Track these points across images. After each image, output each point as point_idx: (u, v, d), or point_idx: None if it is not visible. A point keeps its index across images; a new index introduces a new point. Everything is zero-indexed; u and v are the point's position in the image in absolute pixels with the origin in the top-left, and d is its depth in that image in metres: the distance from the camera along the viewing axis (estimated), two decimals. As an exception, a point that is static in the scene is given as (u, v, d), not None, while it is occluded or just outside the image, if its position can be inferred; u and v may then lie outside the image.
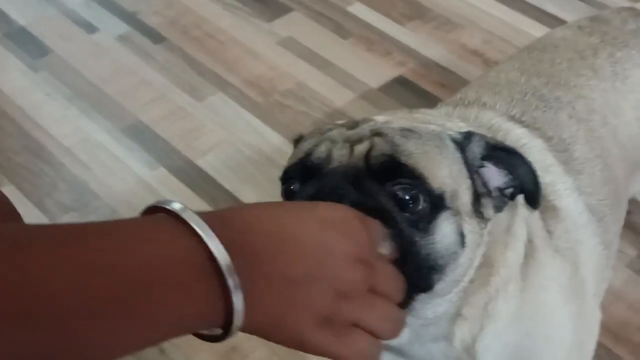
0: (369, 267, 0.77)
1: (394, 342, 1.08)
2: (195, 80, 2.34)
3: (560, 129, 1.24)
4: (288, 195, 0.96)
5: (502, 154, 0.97)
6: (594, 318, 1.21)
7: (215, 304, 0.65)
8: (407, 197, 0.89)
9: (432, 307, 1.00)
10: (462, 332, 1.05)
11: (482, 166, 0.97)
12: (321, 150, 0.93)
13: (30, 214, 1.96)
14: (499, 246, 1.02)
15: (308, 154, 0.94)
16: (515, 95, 1.28)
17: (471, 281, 1.00)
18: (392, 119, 0.98)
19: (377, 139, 0.93)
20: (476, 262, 0.99)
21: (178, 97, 2.29)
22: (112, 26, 2.52)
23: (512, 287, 1.05)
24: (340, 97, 2.27)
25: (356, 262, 0.76)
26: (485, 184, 0.97)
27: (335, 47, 2.44)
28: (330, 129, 0.98)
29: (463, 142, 0.96)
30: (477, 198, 0.96)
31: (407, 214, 0.89)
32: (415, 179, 0.90)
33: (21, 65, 2.39)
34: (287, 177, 0.96)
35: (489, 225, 0.99)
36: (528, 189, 0.98)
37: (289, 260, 0.71)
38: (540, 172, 1.05)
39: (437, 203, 0.91)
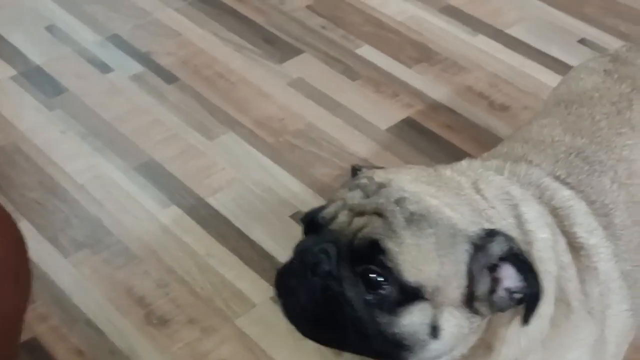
0: None
1: None
2: (206, 119, 2.38)
3: (603, 194, 1.28)
4: (303, 232, 1.09)
5: (523, 263, 1.01)
6: None
7: None
8: (373, 281, 0.99)
9: None
10: None
11: (498, 265, 1.01)
12: (330, 211, 1.05)
13: (44, 250, 2.00)
14: (508, 327, 1.07)
15: (321, 209, 1.06)
16: (560, 155, 1.32)
17: (465, 357, 1.06)
18: (419, 194, 1.02)
19: (374, 219, 1.00)
20: (457, 352, 1.05)
21: (190, 136, 2.34)
22: (126, 66, 2.58)
23: (531, 357, 1.11)
24: (349, 138, 2.32)
25: None
26: (495, 280, 1.01)
27: (345, 88, 2.49)
28: (357, 187, 1.06)
29: (484, 240, 1.00)
30: (471, 297, 1.01)
31: (370, 297, 0.99)
32: (386, 269, 0.98)
33: (36, 103, 2.44)
34: (304, 220, 1.08)
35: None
36: (532, 305, 1.02)
37: None
38: (585, 234, 1.17)
39: (411, 293, 0.98)
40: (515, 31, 2.69)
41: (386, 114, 2.40)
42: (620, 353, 1.30)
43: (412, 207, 1.00)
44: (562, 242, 1.16)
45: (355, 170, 1.15)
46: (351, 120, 2.38)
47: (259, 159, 2.26)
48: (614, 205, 1.28)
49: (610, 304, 1.23)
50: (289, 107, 2.43)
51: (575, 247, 1.19)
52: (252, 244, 2.03)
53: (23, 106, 2.43)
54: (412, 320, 0.99)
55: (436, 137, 2.32)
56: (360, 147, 2.29)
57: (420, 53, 2.62)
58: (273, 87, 2.50)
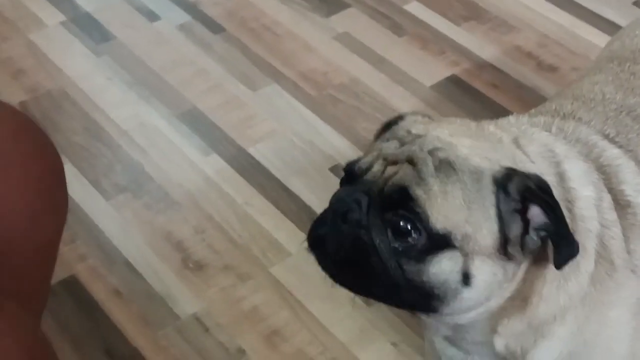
0: None
1: (441, 332, 1.15)
2: (251, 71, 2.39)
3: None
4: (340, 183, 1.10)
5: (542, 201, 1.00)
6: None
7: None
8: (401, 228, 0.99)
9: (451, 318, 1.07)
10: (511, 344, 1.11)
11: (526, 207, 1.00)
12: (366, 161, 1.05)
13: (86, 192, 2.04)
14: (561, 277, 1.06)
15: (358, 160, 1.07)
16: (610, 113, 1.29)
17: (502, 308, 1.06)
18: (454, 144, 1.02)
19: (405, 167, 1.00)
20: (494, 302, 1.04)
21: (234, 87, 2.34)
22: (173, 15, 2.59)
23: (571, 314, 1.10)
24: (392, 94, 2.30)
25: None
26: (526, 222, 1.01)
27: (390, 44, 2.47)
28: (393, 137, 1.06)
29: (504, 180, 0.99)
30: (505, 242, 1.00)
31: (397, 244, 0.99)
32: (414, 215, 0.97)
33: (84, 49, 2.46)
34: (344, 170, 1.09)
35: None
36: (558, 243, 1.01)
37: None
38: (633, 192, 1.15)
39: (439, 241, 0.98)
40: (568, -9, 2.64)
41: (431, 71, 2.37)
42: None
43: (441, 155, 1.00)
44: (607, 200, 1.14)
45: (394, 119, 1.14)
46: (395, 76, 2.36)
47: (301, 112, 2.26)
48: None
49: None
50: (334, 61, 2.42)
51: (621, 205, 1.17)
52: (290, 195, 2.04)
53: (71, 52, 2.46)
54: (442, 268, 0.99)
55: (481, 96, 2.29)
56: (403, 103, 2.27)
57: (470, 11, 2.58)
58: (318, 40, 2.49)
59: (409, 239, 0.98)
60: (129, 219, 1.99)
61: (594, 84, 1.39)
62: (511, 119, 1.23)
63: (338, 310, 1.78)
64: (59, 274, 1.82)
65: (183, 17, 2.58)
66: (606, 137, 1.25)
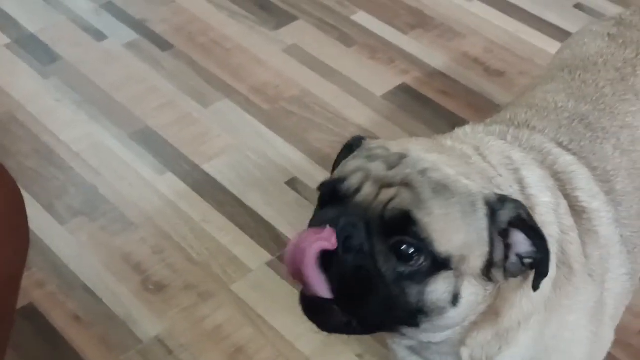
0: None
1: (406, 343, 1.15)
2: (202, 86, 2.38)
3: (605, 161, 1.29)
4: (321, 205, 1.05)
5: (531, 230, 1.02)
6: (608, 339, 1.29)
7: None
8: (407, 254, 0.98)
9: (426, 336, 1.08)
10: (476, 352, 1.13)
11: (508, 231, 1.02)
12: (353, 182, 1.02)
13: (40, 217, 2.01)
14: (515, 290, 1.08)
15: (342, 179, 1.03)
16: (563, 121, 1.32)
17: (474, 323, 1.08)
18: (438, 164, 1.02)
19: (403, 191, 0.99)
20: (468, 320, 1.06)
21: (185, 103, 2.33)
22: (120, 34, 2.56)
23: (534, 319, 1.12)
24: (344, 105, 2.32)
25: None
26: (507, 247, 1.03)
27: (340, 55, 2.49)
28: (376, 157, 1.04)
29: (495, 205, 1.01)
30: (490, 264, 1.02)
31: (402, 269, 0.98)
32: (420, 241, 0.97)
33: (31, 71, 2.43)
34: (320, 188, 1.06)
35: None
36: (542, 270, 1.04)
37: None
38: (587, 198, 1.18)
39: (440, 264, 0.98)
40: (511, -4, 2.68)
41: (381, 81, 2.39)
42: (617, 316, 1.32)
43: (435, 177, 1.00)
44: (564, 205, 1.16)
45: (356, 140, 1.13)
46: (346, 86, 2.37)
47: (254, 126, 2.26)
48: (615, 172, 1.29)
49: (610, 268, 1.24)
50: (284, 73, 2.42)
51: (577, 211, 1.20)
52: (247, 210, 2.04)
53: (18, 74, 2.43)
54: (438, 289, 0.99)
55: (432, 103, 2.32)
56: (355, 113, 2.28)
57: (416, 19, 2.61)
58: (268, 54, 2.49)
59: (413, 263, 0.98)
60: (85, 242, 1.97)
61: (546, 92, 1.42)
62: (467, 128, 1.25)
63: (301, 324, 1.74)
64: (17, 302, 1.79)
65: (130, 35, 2.56)
66: (560, 144, 1.28)
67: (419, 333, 1.07)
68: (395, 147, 1.06)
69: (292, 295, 1.83)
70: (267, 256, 1.92)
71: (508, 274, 1.03)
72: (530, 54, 2.46)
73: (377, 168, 1.02)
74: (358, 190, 1.01)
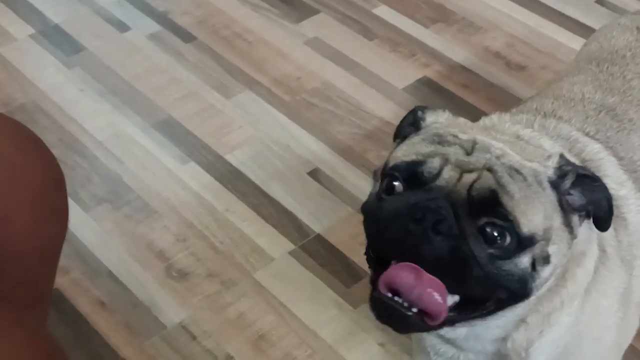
0: None
1: (450, 335, 1.16)
2: (224, 78, 2.40)
3: (631, 151, 1.30)
4: (388, 189, 1.04)
5: (588, 180, 1.06)
6: (634, 326, 1.31)
7: None
8: (495, 235, 0.99)
9: (511, 311, 1.08)
10: (518, 336, 1.14)
11: (570, 194, 1.06)
12: (434, 166, 1.02)
13: (66, 205, 2.02)
14: (574, 263, 1.11)
15: (420, 163, 1.02)
16: (590, 112, 1.33)
17: (548, 289, 1.09)
18: (505, 149, 1.05)
19: (486, 173, 1.01)
20: (560, 267, 1.08)
21: (208, 94, 2.35)
22: (143, 25, 2.59)
23: (577, 302, 1.14)
24: (365, 97, 2.33)
25: None
26: (571, 204, 1.06)
27: (361, 48, 2.50)
28: (449, 143, 1.04)
29: (557, 181, 1.04)
30: (566, 217, 1.05)
31: (492, 250, 0.99)
32: (507, 222, 0.99)
33: (55, 61, 2.45)
34: (393, 170, 1.04)
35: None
36: (601, 214, 1.07)
37: None
38: (615, 185, 1.19)
39: (526, 241, 1.00)
40: (533, -9, 2.68)
41: (403, 74, 2.40)
42: None
43: (508, 162, 1.02)
44: None
45: (420, 110, 1.14)
46: (368, 79, 2.39)
47: (276, 117, 2.27)
48: None
49: (638, 255, 1.25)
50: (306, 66, 2.44)
51: None
52: (270, 200, 2.05)
53: (42, 65, 2.45)
54: (528, 262, 1.02)
55: (453, 97, 2.33)
56: (376, 105, 2.30)
57: (437, 13, 2.62)
58: (290, 46, 2.51)
59: (500, 244, 0.99)
60: (109, 230, 1.99)
61: (573, 84, 1.43)
62: (494, 118, 1.26)
63: (324, 312, 1.80)
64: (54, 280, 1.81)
65: (153, 26, 2.58)
66: (587, 134, 1.29)
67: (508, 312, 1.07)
68: (459, 133, 1.07)
69: (313, 284, 1.86)
70: (289, 245, 1.94)
71: (581, 220, 1.07)
72: (551, 48, 2.47)
73: (456, 153, 1.03)
74: (438, 174, 1.01)
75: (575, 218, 1.06)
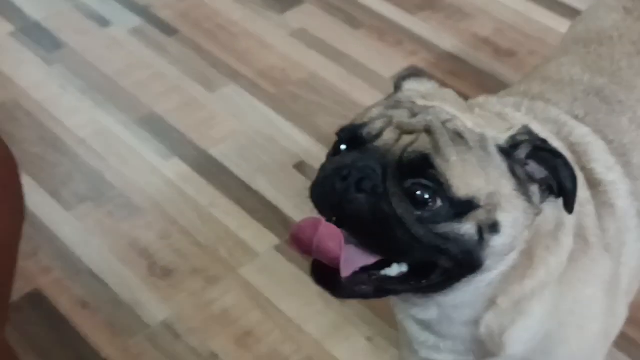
0: None
1: (422, 315, 1.13)
2: (208, 71, 2.35)
3: (621, 134, 1.26)
4: (335, 150, 1.05)
5: (547, 155, 1.02)
6: (622, 315, 1.26)
7: None
8: (423, 197, 0.97)
9: (472, 287, 1.05)
10: (490, 320, 1.10)
11: (527, 164, 1.02)
12: (375, 127, 1.01)
13: (46, 203, 1.99)
14: (541, 245, 1.07)
15: (364, 125, 1.02)
16: (579, 94, 1.29)
17: (513, 268, 1.05)
18: (455, 115, 1.02)
19: (424, 136, 0.99)
20: (520, 246, 1.03)
21: (191, 88, 2.31)
22: (125, 20, 2.54)
23: (548, 291, 1.10)
24: (352, 87, 2.29)
25: None
26: (531, 176, 1.02)
27: (347, 37, 2.46)
28: (400, 105, 1.04)
29: (509, 150, 1.01)
30: (522, 186, 1.01)
31: (420, 212, 0.97)
32: (438, 185, 0.96)
33: (36, 59, 2.41)
34: (340, 132, 1.06)
35: (537, 219, 1.03)
36: (566, 190, 1.02)
37: None
38: (603, 170, 1.16)
39: (464, 206, 0.97)
40: (521, -24, 2.64)
41: (389, 63, 2.36)
42: (632, 292, 1.30)
43: (453, 126, 1.00)
44: (580, 178, 1.14)
45: (399, 82, 1.13)
46: (354, 69, 2.34)
47: (261, 110, 2.23)
48: (632, 146, 1.26)
49: (626, 241, 1.21)
50: (291, 57, 2.40)
51: (593, 183, 1.18)
52: (255, 194, 2.01)
53: (22, 62, 2.41)
54: (471, 226, 0.98)
55: (441, 84, 2.28)
56: (363, 95, 2.25)
57: (424, 0, 2.58)
58: (274, 37, 2.47)
59: (431, 207, 0.97)
60: (91, 228, 1.95)
61: (560, 65, 1.39)
62: (480, 99, 1.22)
63: (309, 307, 1.76)
64: (23, 288, 1.78)
65: (135, 21, 2.54)
66: (575, 117, 1.26)
67: (472, 279, 1.03)
68: (421, 100, 1.05)
69: (299, 278, 1.81)
70: (274, 240, 1.90)
71: (544, 195, 1.03)
72: (540, 33, 2.43)
73: (401, 115, 1.01)
74: (378, 135, 1.00)
75: (534, 188, 1.02)
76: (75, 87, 2.32)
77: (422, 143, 0.98)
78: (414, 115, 1.01)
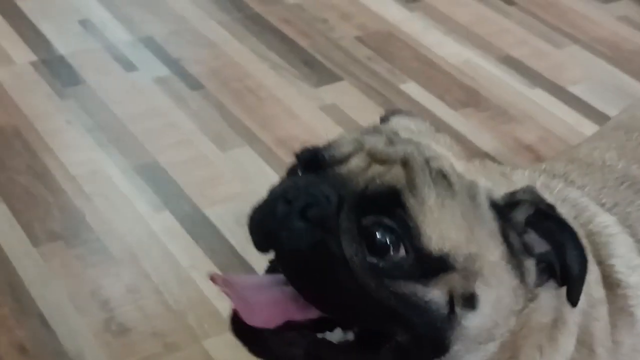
0: None
1: None
2: (225, 130, 2.20)
3: None
4: (290, 172, 0.91)
5: (552, 224, 0.83)
6: None
7: None
8: (383, 241, 0.78)
9: None
10: None
11: (525, 232, 0.83)
12: (341, 151, 0.85)
13: (15, 234, 1.83)
14: (531, 342, 0.87)
15: (326, 147, 0.87)
16: (610, 182, 1.11)
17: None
18: (444, 155, 0.86)
19: (398, 168, 0.82)
20: (502, 336, 0.83)
21: (203, 144, 2.15)
22: (152, 68, 2.42)
23: None
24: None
25: None
26: (528, 247, 0.83)
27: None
28: (377, 130, 0.89)
29: (504, 209, 0.82)
30: (514, 257, 0.82)
31: (374, 259, 0.77)
32: (404, 228, 0.77)
33: (49, 90, 2.29)
34: (299, 156, 0.90)
35: (530, 306, 0.84)
36: (571, 275, 0.82)
37: None
38: (625, 270, 0.96)
39: (434, 263, 0.78)
40: (576, 89, 2.46)
41: (420, 152, 2.17)
42: None
43: (437, 166, 0.82)
44: (595, 273, 0.94)
45: (387, 116, 0.98)
46: (380, 152, 2.16)
47: (270, 177, 2.05)
48: None
49: None
50: (316, 130, 2.23)
51: (610, 283, 0.97)
52: (243, 264, 1.81)
53: (34, 91, 2.29)
54: (445, 297, 0.78)
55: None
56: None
57: (469, 97, 2.41)
58: (303, 108, 2.31)
59: (391, 256, 0.77)
60: (55, 269, 1.76)
61: (593, 149, 1.21)
62: (488, 163, 1.02)
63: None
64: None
65: (162, 70, 2.41)
66: (601, 205, 1.05)
67: None
68: (408, 134, 0.87)
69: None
70: (252, 315, 1.67)
71: (542, 277, 0.82)
72: (589, 148, 2.22)
73: (376, 142, 0.84)
74: (343, 161, 0.83)
75: (529, 264, 0.81)
76: (82, 123, 2.18)
77: (395, 176, 0.80)
78: (391, 143, 0.83)
